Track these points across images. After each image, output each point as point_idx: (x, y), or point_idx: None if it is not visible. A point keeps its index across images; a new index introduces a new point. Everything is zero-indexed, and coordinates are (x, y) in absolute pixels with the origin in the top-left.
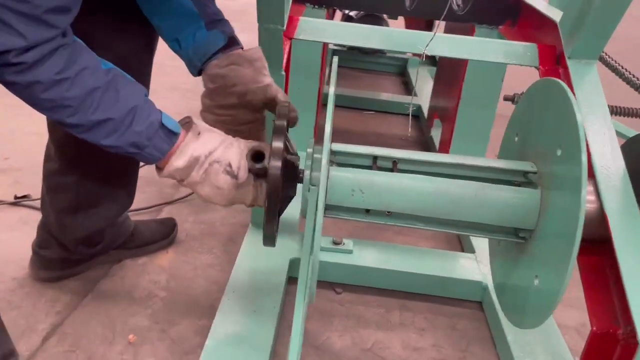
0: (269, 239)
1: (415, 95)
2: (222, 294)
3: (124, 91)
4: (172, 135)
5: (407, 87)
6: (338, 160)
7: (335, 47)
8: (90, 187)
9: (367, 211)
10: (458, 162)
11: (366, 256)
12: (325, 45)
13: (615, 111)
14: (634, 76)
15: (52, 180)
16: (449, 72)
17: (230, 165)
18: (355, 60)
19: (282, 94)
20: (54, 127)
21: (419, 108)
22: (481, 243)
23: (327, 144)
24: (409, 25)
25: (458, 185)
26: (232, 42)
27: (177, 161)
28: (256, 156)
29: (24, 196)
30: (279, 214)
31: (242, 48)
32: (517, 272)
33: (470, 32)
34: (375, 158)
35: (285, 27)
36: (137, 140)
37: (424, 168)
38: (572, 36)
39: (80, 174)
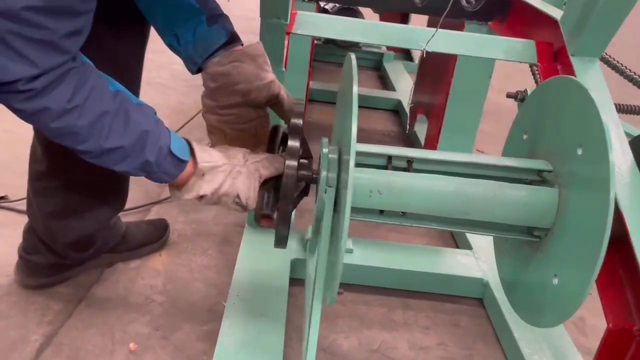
0: (282, 242)
1: (394, 89)
2: (222, 297)
3: (134, 115)
4: (181, 162)
5: (384, 82)
6: None
7: None
8: (80, 190)
9: (381, 212)
10: (473, 161)
11: (366, 255)
12: (313, 39)
13: (619, 109)
14: (635, 74)
15: (39, 183)
16: (435, 67)
17: (238, 196)
18: (331, 54)
19: (285, 91)
20: None
21: (398, 103)
22: (477, 239)
23: (354, 146)
24: (382, 19)
25: (476, 185)
26: (233, 38)
27: (186, 195)
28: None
29: (1, 197)
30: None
31: (242, 44)
32: (531, 271)
33: (459, 28)
34: (390, 158)
35: (288, 22)
36: (147, 167)
37: (438, 167)
38: (575, 33)
39: (70, 177)
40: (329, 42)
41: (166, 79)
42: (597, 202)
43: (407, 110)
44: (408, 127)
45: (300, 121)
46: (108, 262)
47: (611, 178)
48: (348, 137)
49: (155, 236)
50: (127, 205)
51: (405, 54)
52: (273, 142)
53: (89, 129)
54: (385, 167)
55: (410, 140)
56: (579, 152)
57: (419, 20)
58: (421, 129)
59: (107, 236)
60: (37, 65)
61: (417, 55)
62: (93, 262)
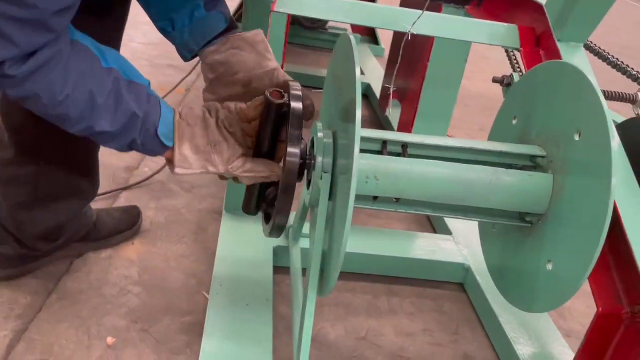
0: (279, 231)
1: (362, 73)
2: (202, 287)
3: (126, 96)
4: (164, 146)
5: None
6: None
7: None
8: (50, 179)
9: (375, 198)
10: (467, 146)
11: (350, 242)
12: (289, 18)
13: (605, 95)
14: (618, 60)
15: (6, 171)
16: (410, 51)
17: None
18: (297, 35)
19: (291, 80)
20: (9, 110)
21: (367, 87)
22: (456, 224)
23: (359, 131)
24: None
25: (473, 171)
26: (232, 25)
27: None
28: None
29: None
30: None
31: (240, 30)
32: (522, 256)
33: (436, 10)
34: (385, 142)
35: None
36: (133, 145)
37: (432, 152)
38: (562, 18)
39: (39, 164)
40: (294, 22)
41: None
42: (596, 188)
43: (390, 93)
44: (385, 110)
45: (300, 105)
46: (78, 252)
47: (613, 164)
48: (348, 121)
49: (127, 224)
50: None
51: (371, 37)
52: (266, 120)
53: (81, 112)
54: (380, 152)
55: (382, 125)
56: (576, 137)
57: (385, 1)
58: (394, 114)
59: (77, 225)
60: (21, 45)
61: (383, 39)
62: (62, 252)
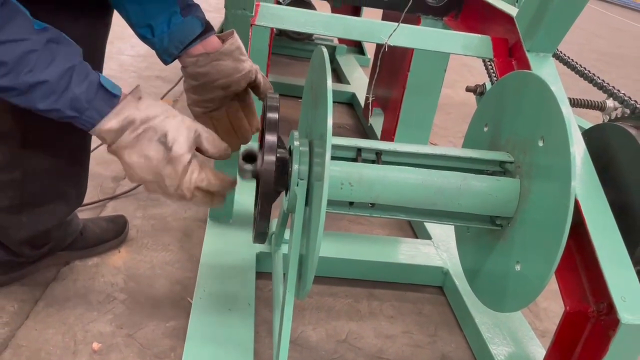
0: (261, 237)
1: (348, 83)
2: (187, 293)
3: (60, 51)
4: (112, 96)
5: (336, 74)
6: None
7: None
8: (37, 184)
9: (351, 204)
10: (439, 153)
11: (331, 247)
12: (272, 31)
13: (571, 102)
14: (585, 69)
15: None
16: (391, 61)
17: (165, 135)
18: (284, 46)
19: (261, 74)
20: None
21: (352, 96)
22: (436, 229)
23: (329, 138)
24: (334, 12)
25: (443, 177)
26: (207, 27)
27: (111, 122)
28: (247, 157)
29: None
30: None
31: (215, 32)
32: (493, 259)
33: (415, 22)
34: (359, 150)
35: (253, 13)
36: (76, 104)
37: (405, 159)
38: (531, 30)
39: (26, 169)
40: (281, 34)
41: (115, 70)
42: (558, 191)
43: (370, 103)
44: (368, 119)
45: (276, 115)
46: (64, 261)
47: (572, 168)
48: (321, 130)
49: (114, 233)
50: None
51: (357, 47)
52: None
53: (13, 65)
54: (355, 159)
55: (366, 134)
56: (540, 143)
57: (370, 14)
58: (377, 122)
59: (64, 233)
60: None
61: (369, 49)
62: (49, 260)
